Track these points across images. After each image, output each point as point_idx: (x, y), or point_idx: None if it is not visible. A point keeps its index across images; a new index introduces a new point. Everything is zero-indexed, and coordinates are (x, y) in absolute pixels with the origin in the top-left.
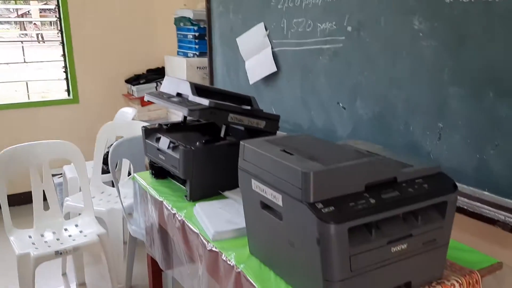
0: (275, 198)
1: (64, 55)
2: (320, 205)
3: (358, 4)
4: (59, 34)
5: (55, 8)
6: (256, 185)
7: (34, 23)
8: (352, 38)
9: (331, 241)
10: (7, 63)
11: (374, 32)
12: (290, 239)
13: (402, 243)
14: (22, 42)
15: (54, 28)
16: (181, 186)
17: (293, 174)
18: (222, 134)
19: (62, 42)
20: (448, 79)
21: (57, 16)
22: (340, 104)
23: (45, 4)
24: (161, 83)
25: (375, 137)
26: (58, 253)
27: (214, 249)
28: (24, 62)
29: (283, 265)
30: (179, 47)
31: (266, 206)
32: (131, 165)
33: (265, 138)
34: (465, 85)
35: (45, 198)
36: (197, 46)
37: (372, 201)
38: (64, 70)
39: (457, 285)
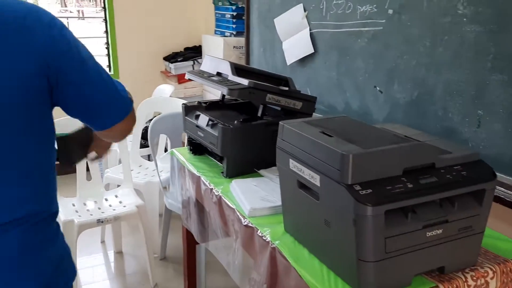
0: (313, 178)
1: (106, 31)
2: (358, 187)
3: None
4: (102, 11)
5: None
6: (293, 164)
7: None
8: (392, 21)
9: (367, 223)
10: None
11: (415, 16)
12: (326, 218)
13: (437, 228)
14: (67, 18)
15: (93, 5)
16: (218, 162)
17: (332, 156)
18: (259, 114)
19: (105, 19)
20: (491, 65)
21: None
22: (377, 88)
23: None
24: (197, 61)
25: (412, 122)
26: (99, 221)
27: (250, 224)
28: None
29: (318, 243)
30: (217, 26)
31: (303, 185)
32: (168, 140)
33: (303, 119)
34: (508, 72)
35: (87, 169)
36: (234, 26)
37: (410, 185)
38: (106, 46)
39: (490, 272)
